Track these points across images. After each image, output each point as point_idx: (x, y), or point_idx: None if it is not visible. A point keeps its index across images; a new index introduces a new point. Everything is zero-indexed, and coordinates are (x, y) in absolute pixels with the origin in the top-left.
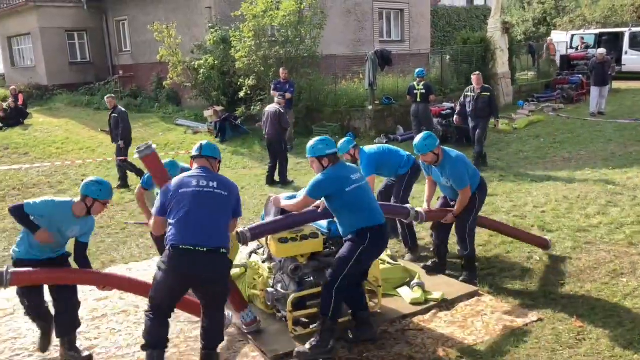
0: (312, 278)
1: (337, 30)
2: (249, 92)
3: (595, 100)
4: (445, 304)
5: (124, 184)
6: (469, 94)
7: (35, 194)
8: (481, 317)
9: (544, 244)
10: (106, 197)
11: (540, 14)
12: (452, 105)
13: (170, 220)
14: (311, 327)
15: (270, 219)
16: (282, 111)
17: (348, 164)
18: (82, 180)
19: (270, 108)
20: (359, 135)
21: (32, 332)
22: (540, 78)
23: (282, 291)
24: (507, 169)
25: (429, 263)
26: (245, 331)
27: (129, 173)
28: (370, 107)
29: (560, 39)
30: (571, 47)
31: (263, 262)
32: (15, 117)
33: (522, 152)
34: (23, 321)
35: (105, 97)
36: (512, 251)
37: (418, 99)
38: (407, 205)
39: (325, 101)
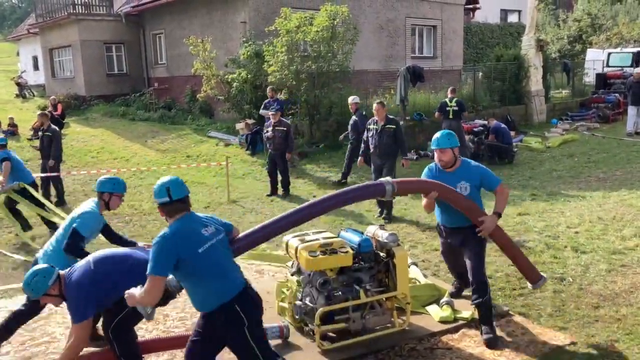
0: (340, 292)
1: (369, 45)
2: None
3: (633, 119)
4: (475, 323)
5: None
6: (371, 126)
7: (70, 202)
8: (512, 338)
9: (534, 280)
10: (122, 190)
11: (576, 31)
12: (485, 122)
13: None
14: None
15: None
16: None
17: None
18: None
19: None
20: None
21: (65, 336)
22: (575, 96)
23: (311, 305)
24: (540, 187)
25: (453, 289)
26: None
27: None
28: (401, 123)
29: (596, 57)
30: (607, 66)
31: (292, 274)
32: None
33: (556, 171)
34: (57, 325)
35: (38, 114)
36: (544, 272)
37: (450, 116)
38: (381, 180)
39: None
